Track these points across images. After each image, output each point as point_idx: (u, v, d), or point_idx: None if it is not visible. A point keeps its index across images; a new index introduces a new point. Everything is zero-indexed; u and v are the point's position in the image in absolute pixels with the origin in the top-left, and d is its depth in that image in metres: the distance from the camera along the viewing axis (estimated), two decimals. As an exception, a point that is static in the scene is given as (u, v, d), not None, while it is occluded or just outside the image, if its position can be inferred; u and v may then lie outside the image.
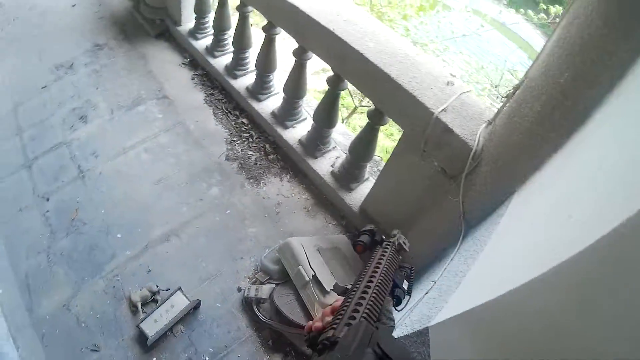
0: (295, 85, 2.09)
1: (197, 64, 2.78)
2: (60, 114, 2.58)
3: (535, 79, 1.06)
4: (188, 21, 2.83)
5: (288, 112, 2.24)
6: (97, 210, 2.09)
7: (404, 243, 0.77)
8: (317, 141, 2.10)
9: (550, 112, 1.00)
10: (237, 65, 2.47)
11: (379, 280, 0.60)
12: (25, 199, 2.16)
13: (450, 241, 1.33)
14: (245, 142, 2.29)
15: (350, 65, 1.64)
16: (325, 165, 2.11)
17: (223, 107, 2.50)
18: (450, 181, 1.38)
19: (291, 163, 2.20)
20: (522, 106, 1.09)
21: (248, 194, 2.12)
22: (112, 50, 2.96)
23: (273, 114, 2.30)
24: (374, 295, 0.55)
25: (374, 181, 1.91)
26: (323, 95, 1.97)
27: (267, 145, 2.27)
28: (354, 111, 5.56)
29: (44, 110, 2.65)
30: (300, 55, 1.95)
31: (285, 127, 2.25)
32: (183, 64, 2.80)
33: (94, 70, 2.82)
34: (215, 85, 2.61)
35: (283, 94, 2.20)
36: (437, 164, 1.46)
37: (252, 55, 2.48)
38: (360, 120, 5.79)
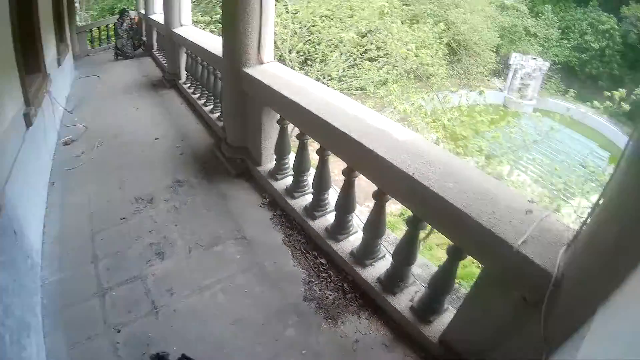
0: (375, 226, 2.57)
1: (276, 205, 3.46)
2: (138, 247, 3.14)
3: (613, 199, 1.38)
4: (268, 162, 3.56)
5: (367, 251, 2.66)
6: (169, 347, 2.41)
7: None
8: (396, 279, 2.44)
9: (629, 233, 1.27)
10: (317, 206, 3.04)
11: None
12: (96, 327, 2.54)
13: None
14: (323, 282, 2.68)
15: (430, 207, 2.09)
16: (404, 300, 2.51)
17: (301, 247, 3.00)
18: (531, 308, 1.61)
19: (369, 300, 2.55)
20: (601, 227, 1.42)
21: (325, 333, 2.42)
22: (193, 187, 3.66)
23: (352, 253, 2.77)
24: None
25: (453, 310, 2.18)
26: (403, 234, 2.36)
27: (346, 285, 2.66)
28: (429, 232, 6.06)
29: (122, 242, 3.23)
30: (381, 199, 2.42)
31: (364, 266, 2.68)
32: (262, 204, 3.41)
33: (173, 207, 3.47)
34: (294, 226, 3.21)
35: (362, 234, 2.62)
36: (518, 293, 1.69)
37: (331, 196, 3.06)
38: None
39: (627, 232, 1.28)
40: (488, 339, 1.94)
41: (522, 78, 18.47)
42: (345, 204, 2.85)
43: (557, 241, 1.70)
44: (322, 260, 2.91)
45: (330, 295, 2.69)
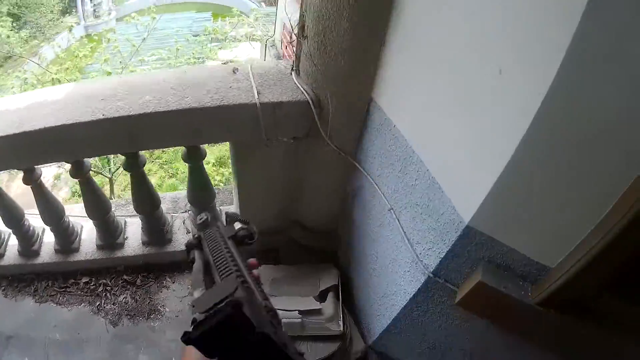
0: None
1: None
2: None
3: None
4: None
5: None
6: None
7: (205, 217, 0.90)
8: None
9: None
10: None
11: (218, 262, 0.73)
12: None
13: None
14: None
15: (147, 132, 1.82)
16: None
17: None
18: (308, 139, 1.71)
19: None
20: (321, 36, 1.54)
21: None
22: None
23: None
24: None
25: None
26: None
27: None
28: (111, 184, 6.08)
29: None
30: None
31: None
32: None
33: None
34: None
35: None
36: (286, 139, 1.76)
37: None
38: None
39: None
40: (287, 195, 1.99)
41: (91, 0, 17.70)
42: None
43: (283, 73, 1.74)
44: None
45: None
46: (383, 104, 1.66)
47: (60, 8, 16.50)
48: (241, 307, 0.49)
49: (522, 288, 1.30)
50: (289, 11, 3.22)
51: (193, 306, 0.56)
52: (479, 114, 1.17)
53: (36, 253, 2.54)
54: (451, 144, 1.31)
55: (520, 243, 1.23)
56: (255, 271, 0.74)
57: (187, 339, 0.50)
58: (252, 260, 0.78)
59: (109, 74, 6.62)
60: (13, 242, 2.56)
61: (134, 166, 2.06)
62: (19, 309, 2.46)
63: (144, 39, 7.16)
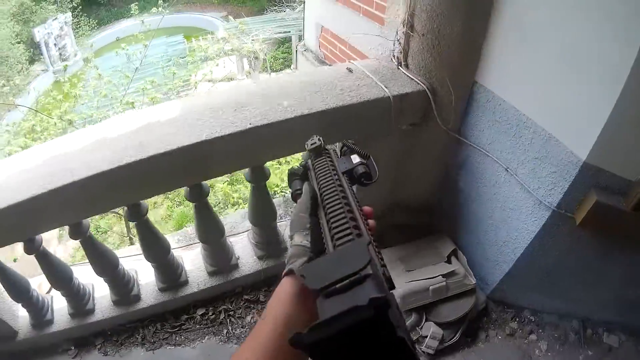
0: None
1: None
2: None
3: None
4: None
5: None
6: None
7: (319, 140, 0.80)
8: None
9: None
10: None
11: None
12: None
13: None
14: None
15: (284, 138, 1.98)
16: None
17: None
18: (421, 124, 2.14)
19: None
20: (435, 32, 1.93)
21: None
22: None
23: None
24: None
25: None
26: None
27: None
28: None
29: None
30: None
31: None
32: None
33: None
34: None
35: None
36: (405, 127, 2.10)
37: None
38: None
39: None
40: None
41: (55, 44, 17.39)
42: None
43: (394, 67, 2.07)
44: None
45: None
46: (489, 84, 2.07)
47: (27, 58, 16.17)
48: (387, 309, 0.35)
49: (618, 200, 1.74)
50: (320, 14, 3.57)
51: (303, 277, 0.44)
52: (585, 71, 1.60)
53: (137, 298, 2.41)
54: (563, 103, 1.74)
55: (616, 168, 1.69)
56: (370, 221, 0.61)
57: (297, 341, 0.37)
58: (366, 208, 0.65)
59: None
60: (101, 293, 2.45)
61: (200, 196, 2.09)
62: (128, 363, 2.31)
63: (137, 68, 7.16)
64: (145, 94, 6.55)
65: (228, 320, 2.47)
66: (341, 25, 3.26)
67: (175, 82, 7.29)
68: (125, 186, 1.79)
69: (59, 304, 2.40)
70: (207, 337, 2.42)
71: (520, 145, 2.01)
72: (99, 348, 2.38)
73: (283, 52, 14.05)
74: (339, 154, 0.81)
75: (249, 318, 2.48)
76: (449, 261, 2.39)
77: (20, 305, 2.26)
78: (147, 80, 6.84)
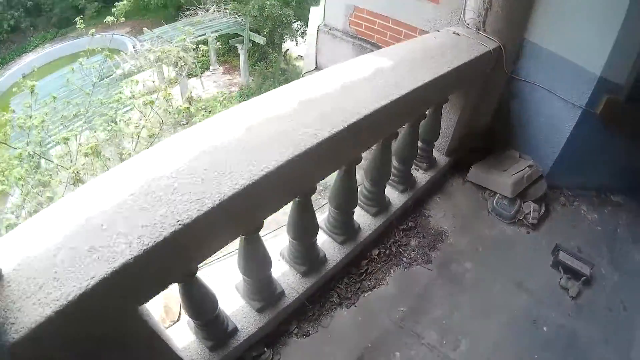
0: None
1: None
2: None
3: None
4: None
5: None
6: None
7: None
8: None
9: None
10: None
11: None
12: None
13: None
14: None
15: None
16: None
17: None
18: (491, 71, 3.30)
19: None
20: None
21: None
22: None
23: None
24: None
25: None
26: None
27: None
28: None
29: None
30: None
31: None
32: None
33: None
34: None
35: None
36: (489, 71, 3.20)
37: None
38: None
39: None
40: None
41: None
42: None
43: (472, 32, 3.10)
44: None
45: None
46: (534, 39, 3.30)
47: None
48: None
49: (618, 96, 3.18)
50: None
51: None
52: (596, 18, 3.00)
53: (324, 259, 2.82)
54: (583, 42, 3.13)
55: (616, 78, 3.15)
56: None
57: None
58: None
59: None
60: (280, 270, 2.73)
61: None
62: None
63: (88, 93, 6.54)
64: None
65: (400, 249, 3.10)
66: (382, 4, 4.15)
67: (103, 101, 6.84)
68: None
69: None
70: (392, 270, 2.97)
71: (557, 74, 3.32)
72: (295, 333, 2.58)
73: (203, 55, 13.68)
74: None
75: (412, 242, 3.20)
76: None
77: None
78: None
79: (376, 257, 3.04)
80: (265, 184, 1.69)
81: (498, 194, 3.48)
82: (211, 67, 18.28)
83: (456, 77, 2.81)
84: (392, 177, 3.25)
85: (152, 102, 6.01)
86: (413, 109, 2.74)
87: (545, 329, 2.83)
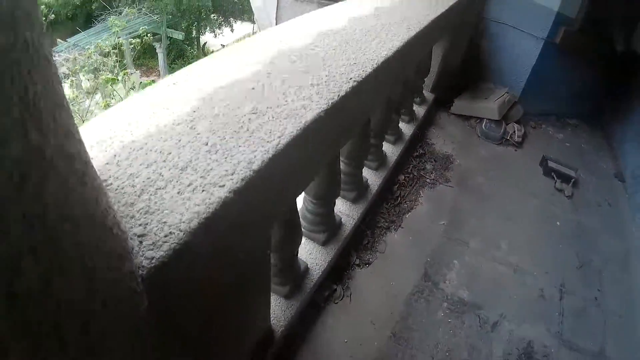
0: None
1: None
2: None
3: None
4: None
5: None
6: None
7: None
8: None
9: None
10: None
11: None
12: None
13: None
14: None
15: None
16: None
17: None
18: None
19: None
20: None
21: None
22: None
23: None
24: None
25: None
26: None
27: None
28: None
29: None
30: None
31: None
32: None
33: None
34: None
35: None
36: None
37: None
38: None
39: None
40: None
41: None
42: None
43: None
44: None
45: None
46: None
47: None
48: None
49: (572, 27, 3.74)
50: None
51: None
52: None
53: (367, 185, 2.81)
54: None
55: (569, 12, 3.71)
56: None
57: None
58: None
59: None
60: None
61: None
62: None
63: None
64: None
65: (420, 173, 3.33)
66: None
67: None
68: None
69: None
70: (421, 192, 3.17)
71: (521, 12, 3.82)
72: (357, 264, 2.57)
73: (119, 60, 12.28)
74: None
75: (428, 165, 3.46)
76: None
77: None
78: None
79: (404, 181, 3.21)
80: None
81: (485, 120, 3.85)
82: (129, 71, 16.78)
83: (449, 17, 3.01)
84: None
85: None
86: (428, 42, 2.92)
87: (558, 223, 3.26)
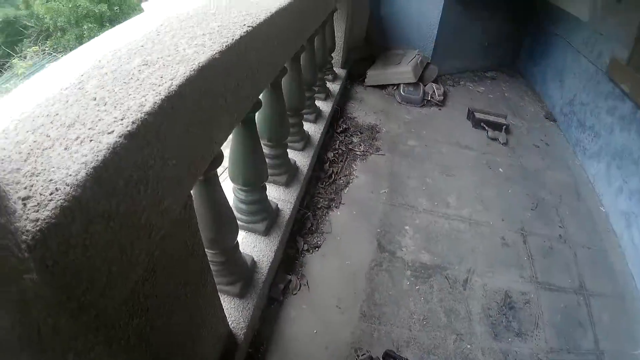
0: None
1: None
2: None
3: None
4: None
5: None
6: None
7: None
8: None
9: None
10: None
11: None
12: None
13: None
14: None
15: None
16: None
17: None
18: None
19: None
20: None
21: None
22: None
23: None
24: None
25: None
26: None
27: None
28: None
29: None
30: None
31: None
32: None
33: None
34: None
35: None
36: None
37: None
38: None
39: None
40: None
41: None
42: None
43: None
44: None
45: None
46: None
47: None
48: None
49: None
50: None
51: None
52: None
53: None
54: None
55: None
56: None
57: None
58: None
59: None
60: None
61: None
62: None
63: None
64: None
65: (349, 147, 3.22)
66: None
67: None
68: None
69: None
70: (354, 165, 3.07)
71: None
72: (306, 250, 2.42)
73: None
74: None
75: (355, 139, 3.31)
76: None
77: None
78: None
79: (334, 158, 3.11)
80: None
81: (402, 85, 3.85)
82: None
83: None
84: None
85: None
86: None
87: (501, 170, 3.31)
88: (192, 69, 1.00)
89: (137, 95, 0.87)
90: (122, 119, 0.80)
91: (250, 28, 1.33)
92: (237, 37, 1.23)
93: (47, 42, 14.74)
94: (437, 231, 2.69)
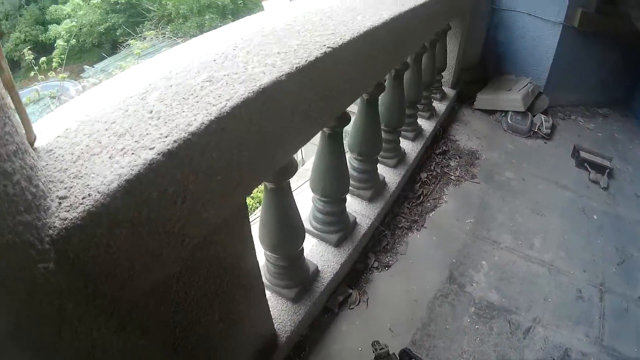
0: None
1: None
2: None
3: None
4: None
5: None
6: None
7: None
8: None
9: None
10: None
11: None
12: None
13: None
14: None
15: None
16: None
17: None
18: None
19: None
20: None
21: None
22: None
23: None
24: None
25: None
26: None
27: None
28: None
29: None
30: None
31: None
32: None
33: None
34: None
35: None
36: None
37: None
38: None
39: None
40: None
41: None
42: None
43: None
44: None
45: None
46: None
47: None
48: None
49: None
50: None
51: None
52: None
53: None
54: None
55: None
56: None
57: None
58: None
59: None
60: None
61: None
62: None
63: None
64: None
65: (444, 170, 3.16)
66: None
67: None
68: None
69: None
70: (445, 189, 2.99)
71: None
72: (376, 267, 2.39)
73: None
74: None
75: (452, 162, 3.26)
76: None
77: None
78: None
79: (426, 179, 3.02)
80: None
81: (510, 112, 3.63)
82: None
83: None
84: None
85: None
86: (429, 24, 2.69)
87: (595, 217, 2.99)
88: (251, 91, 1.01)
89: (190, 114, 0.91)
90: (166, 136, 0.84)
91: (329, 49, 1.32)
92: (311, 58, 1.23)
93: (168, 26, 15.81)
94: (513, 272, 2.50)
